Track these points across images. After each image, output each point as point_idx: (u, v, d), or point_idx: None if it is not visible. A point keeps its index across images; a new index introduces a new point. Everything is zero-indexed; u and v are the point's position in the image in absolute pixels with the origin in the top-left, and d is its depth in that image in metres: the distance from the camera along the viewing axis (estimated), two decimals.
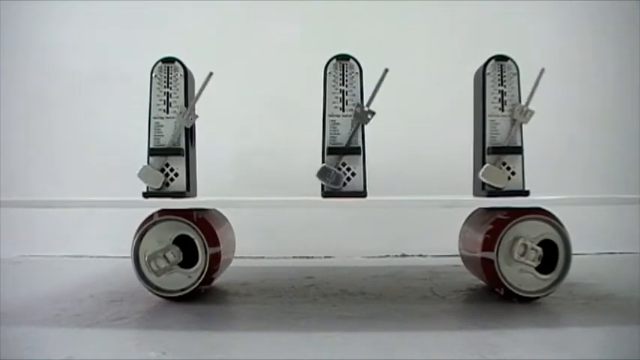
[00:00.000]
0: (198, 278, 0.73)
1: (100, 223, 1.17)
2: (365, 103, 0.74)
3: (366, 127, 0.75)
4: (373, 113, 0.73)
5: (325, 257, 1.17)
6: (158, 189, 0.74)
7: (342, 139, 0.74)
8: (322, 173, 0.72)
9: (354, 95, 0.75)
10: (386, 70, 0.73)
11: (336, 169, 0.73)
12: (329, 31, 1.19)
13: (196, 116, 0.76)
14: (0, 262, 1.13)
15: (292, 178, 1.12)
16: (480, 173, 0.72)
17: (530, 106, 0.73)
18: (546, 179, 1.03)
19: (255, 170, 1.19)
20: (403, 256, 1.18)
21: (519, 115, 0.73)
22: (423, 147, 1.18)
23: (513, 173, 0.73)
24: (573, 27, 1.22)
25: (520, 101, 0.74)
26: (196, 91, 0.76)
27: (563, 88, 1.20)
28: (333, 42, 1.13)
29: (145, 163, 0.75)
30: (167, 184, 0.75)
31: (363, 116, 0.73)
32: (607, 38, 1.21)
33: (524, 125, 0.74)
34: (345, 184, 0.73)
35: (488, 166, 0.72)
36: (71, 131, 1.21)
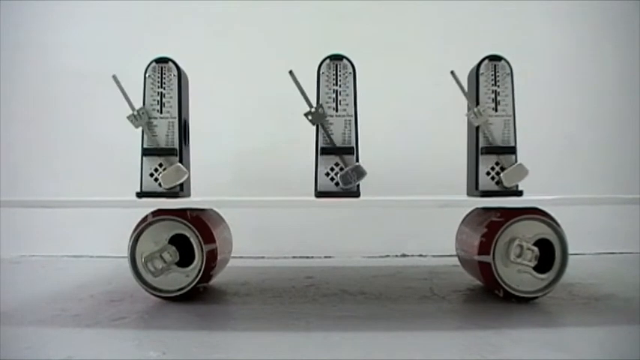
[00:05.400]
0: (196, 276, 0.73)
1: (100, 223, 1.17)
2: (309, 106, 0.74)
3: (361, 127, 0.74)
4: (321, 106, 0.73)
5: (325, 257, 1.17)
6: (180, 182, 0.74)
7: (335, 140, 0.74)
8: (345, 181, 0.72)
9: (347, 95, 0.75)
10: (290, 72, 0.73)
11: (349, 169, 0.72)
12: (329, 31, 1.19)
13: (149, 117, 0.75)
14: (0, 262, 1.13)
15: (289, 178, 1.12)
16: (504, 182, 0.72)
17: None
18: (546, 179, 1.03)
19: (254, 170, 1.19)
20: (403, 256, 1.18)
21: (474, 119, 0.73)
22: (423, 147, 1.18)
23: None
24: (573, 27, 1.22)
25: (514, 102, 0.74)
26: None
27: (562, 88, 1.21)
28: (333, 42, 1.13)
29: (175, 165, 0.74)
30: (160, 184, 0.75)
31: (318, 116, 0.73)
32: (607, 38, 1.21)
33: (522, 125, 0.74)
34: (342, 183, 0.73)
35: (503, 174, 0.72)
36: (71, 131, 1.21)
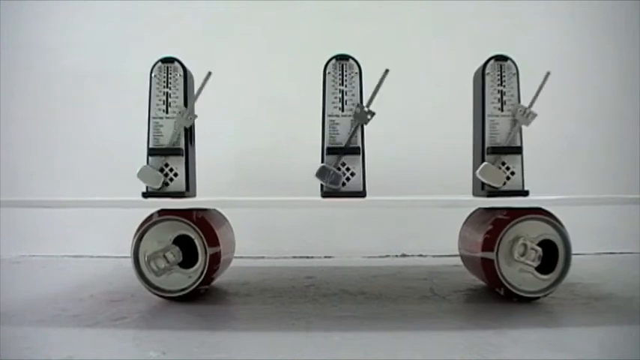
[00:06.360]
0: (198, 278, 0.73)
1: (100, 223, 1.17)
2: (365, 104, 0.74)
3: (365, 127, 0.75)
4: (373, 113, 0.73)
5: (325, 257, 1.17)
6: (158, 189, 0.74)
7: (341, 139, 0.74)
8: (321, 173, 0.72)
9: (353, 95, 0.75)
10: (386, 71, 0.73)
11: (335, 169, 0.73)
12: (329, 31, 1.19)
13: (195, 116, 0.76)
14: (0, 262, 1.13)
15: (293, 178, 1.12)
16: (478, 171, 0.72)
17: (532, 108, 0.73)
18: (547, 179, 1.03)
19: (255, 170, 1.19)
20: (403, 256, 1.18)
21: (521, 117, 0.73)
22: (423, 147, 1.18)
23: (513, 173, 0.73)
24: (573, 27, 1.22)
25: (520, 102, 0.74)
26: (195, 91, 0.76)
27: (563, 88, 1.20)
28: (334, 42, 1.13)
29: (145, 164, 0.74)
30: (166, 184, 0.75)
31: (362, 116, 0.73)
32: (607, 38, 1.21)
33: (524, 126, 0.74)
34: (344, 183, 0.73)
35: (485, 164, 0.72)
36: (71, 131, 1.21)
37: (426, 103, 1.18)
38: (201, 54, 1.15)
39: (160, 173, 0.74)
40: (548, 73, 0.73)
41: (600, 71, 1.20)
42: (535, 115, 0.73)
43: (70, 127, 1.21)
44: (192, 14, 1.21)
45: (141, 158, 0.75)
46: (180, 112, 0.75)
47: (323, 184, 0.73)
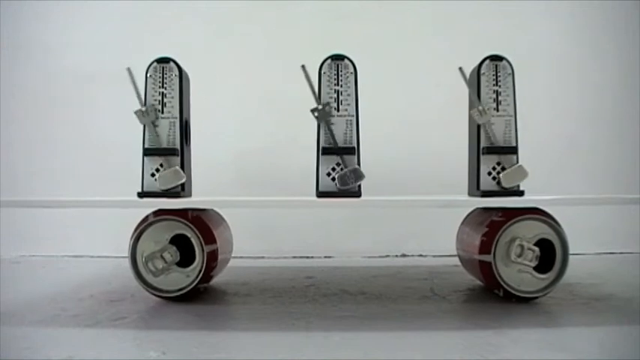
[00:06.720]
0: (197, 277, 0.73)
1: (100, 223, 1.17)
2: (317, 103, 0.74)
3: (361, 127, 0.74)
4: (328, 104, 0.73)
5: (325, 257, 1.17)
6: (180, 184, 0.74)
7: (337, 139, 0.74)
8: (342, 182, 0.72)
9: (348, 95, 0.75)
10: (302, 66, 0.73)
11: (348, 170, 0.72)
12: (329, 31, 1.19)
13: (155, 116, 0.76)
14: (0, 262, 1.13)
15: (293, 178, 1.12)
16: (503, 183, 0.72)
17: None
18: (546, 179, 1.03)
19: (255, 170, 1.19)
20: (403, 256, 1.18)
21: (479, 117, 0.73)
22: (423, 147, 1.18)
23: None
24: (573, 27, 1.22)
25: (515, 102, 0.74)
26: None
27: (563, 88, 1.21)
28: (334, 42, 1.13)
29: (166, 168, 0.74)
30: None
31: (324, 114, 0.73)
32: (607, 38, 1.21)
33: (522, 125, 0.74)
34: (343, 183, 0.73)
35: (502, 175, 0.72)
36: (71, 131, 1.21)
37: (426, 103, 1.18)
38: (202, 54, 1.16)
39: (178, 169, 0.74)
40: (460, 68, 0.73)
41: (600, 71, 1.20)
42: (491, 109, 0.73)
43: (70, 127, 1.21)
44: (192, 14, 1.21)
45: (140, 158, 0.75)
46: (142, 111, 0.75)
47: (353, 187, 0.73)
